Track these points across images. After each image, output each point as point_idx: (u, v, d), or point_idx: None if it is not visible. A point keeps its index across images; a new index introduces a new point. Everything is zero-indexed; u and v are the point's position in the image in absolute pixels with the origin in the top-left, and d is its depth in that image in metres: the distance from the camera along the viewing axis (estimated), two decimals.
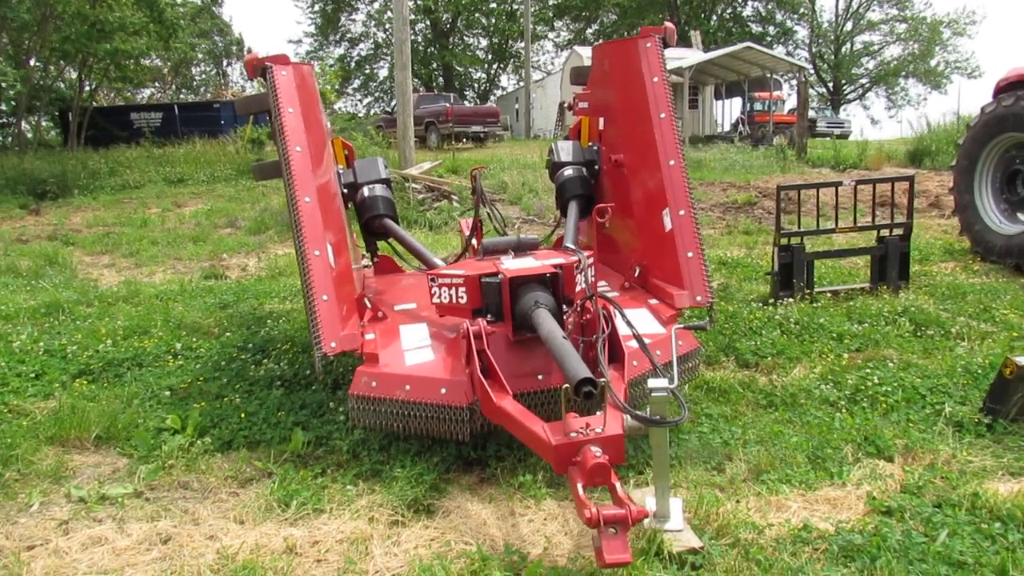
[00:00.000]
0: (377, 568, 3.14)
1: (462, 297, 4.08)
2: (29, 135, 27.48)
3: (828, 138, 33.26)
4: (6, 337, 6.33)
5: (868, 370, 5.02)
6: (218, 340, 6.23)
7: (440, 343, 4.20)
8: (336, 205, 5.00)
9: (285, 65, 4.85)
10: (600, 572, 2.93)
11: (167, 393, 4.99)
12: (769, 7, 51.84)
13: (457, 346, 4.07)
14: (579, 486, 2.84)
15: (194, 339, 6.26)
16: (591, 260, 4.26)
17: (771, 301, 6.64)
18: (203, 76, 54.93)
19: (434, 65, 51.21)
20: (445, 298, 4.18)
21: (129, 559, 3.25)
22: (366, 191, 5.64)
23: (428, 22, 50.68)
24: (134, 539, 3.40)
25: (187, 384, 5.13)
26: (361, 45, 54.07)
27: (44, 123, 31.73)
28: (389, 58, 53.38)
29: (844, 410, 4.54)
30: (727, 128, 35.93)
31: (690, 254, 4.51)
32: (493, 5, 51.66)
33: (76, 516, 3.62)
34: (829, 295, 6.79)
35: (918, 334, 5.85)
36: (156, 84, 40.27)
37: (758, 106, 34.87)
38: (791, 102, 39.05)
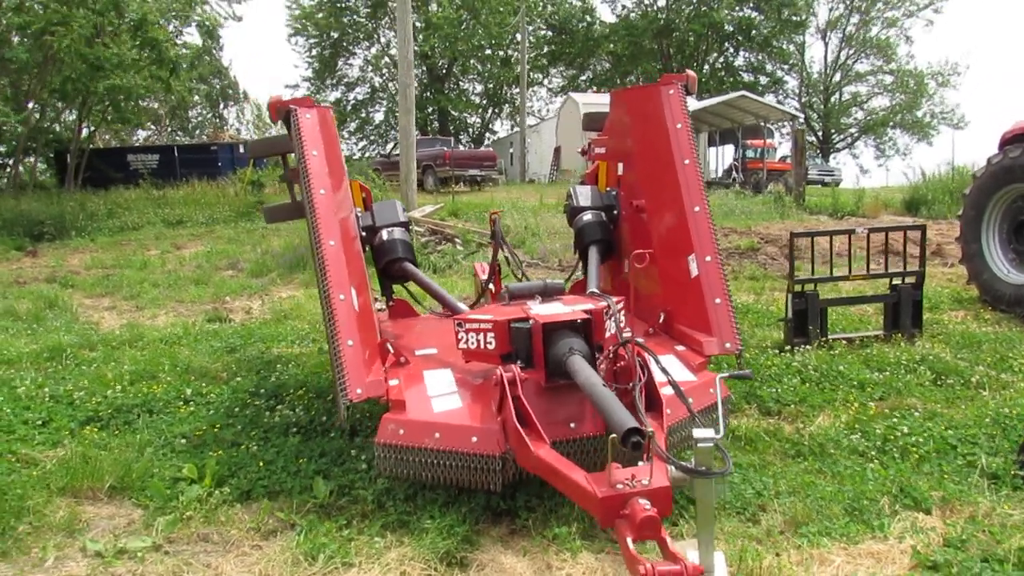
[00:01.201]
0: None
1: (490, 343, 4.00)
2: (25, 177, 27.46)
3: (819, 185, 33.73)
4: (9, 383, 6.18)
5: (895, 420, 4.95)
6: (228, 385, 6.11)
7: (467, 390, 4.11)
8: (356, 248, 4.94)
9: (309, 108, 4.84)
10: None
11: (182, 441, 4.86)
12: (760, 57, 52.84)
13: (485, 393, 3.99)
14: (629, 540, 2.74)
15: (203, 384, 6.13)
16: (620, 306, 4.21)
17: (787, 348, 6.59)
18: (199, 118, 55.29)
19: (429, 109, 51.73)
20: (472, 343, 4.10)
21: None
22: (384, 234, 5.60)
23: (424, 67, 51.39)
24: None
25: (201, 432, 5.00)
26: (358, 89, 54.65)
27: (39, 165, 31.74)
28: (385, 102, 53.92)
29: (876, 461, 4.46)
30: (720, 174, 36.32)
31: (718, 300, 4.47)
32: (488, 52, 52.42)
33: (94, 572, 3.48)
34: (845, 342, 6.75)
35: (938, 383, 5.80)
36: (153, 127, 40.45)
37: (750, 153, 35.31)
38: (782, 150, 39.60)
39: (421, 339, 5.17)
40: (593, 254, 5.52)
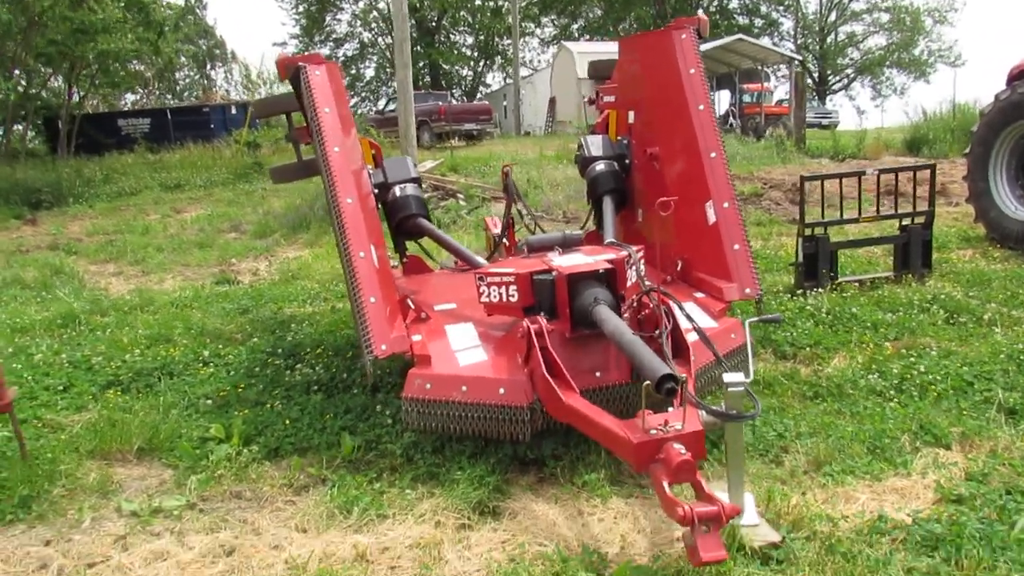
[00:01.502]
0: (454, 572, 3.10)
1: (513, 295, 4.02)
2: (15, 145, 27.11)
3: (816, 128, 33.43)
4: (25, 350, 6.21)
5: (912, 359, 5.00)
6: (245, 346, 6.14)
7: (491, 343, 4.14)
8: (370, 205, 4.92)
9: (319, 65, 4.77)
10: (687, 570, 2.89)
11: (207, 402, 4.90)
12: None
13: (509, 345, 4.02)
14: (665, 484, 2.79)
15: (220, 346, 6.16)
16: (641, 254, 4.21)
17: (798, 292, 6.62)
18: (187, 80, 54.42)
19: (420, 64, 50.90)
20: (494, 297, 4.11)
21: (197, 573, 3.19)
22: (397, 191, 5.56)
23: (414, 21, 50.44)
24: (197, 552, 3.33)
25: (225, 392, 5.04)
26: (347, 45, 53.57)
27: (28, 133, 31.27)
28: (375, 58, 53.09)
29: (894, 400, 4.51)
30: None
31: (737, 246, 4.48)
32: (478, 2, 51.46)
33: (132, 531, 3.54)
34: (856, 285, 6.77)
35: (951, 322, 5.83)
36: (143, 90, 39.84)
37: (747, 98, 34.92)
38: (778, 93, 39.17)
39: (438, 294, 5.18)
40: (608, 204, 5.49)
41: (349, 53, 53.63)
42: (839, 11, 52.95)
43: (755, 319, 3.68)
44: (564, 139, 22.35)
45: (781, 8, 52.63)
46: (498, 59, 56.31)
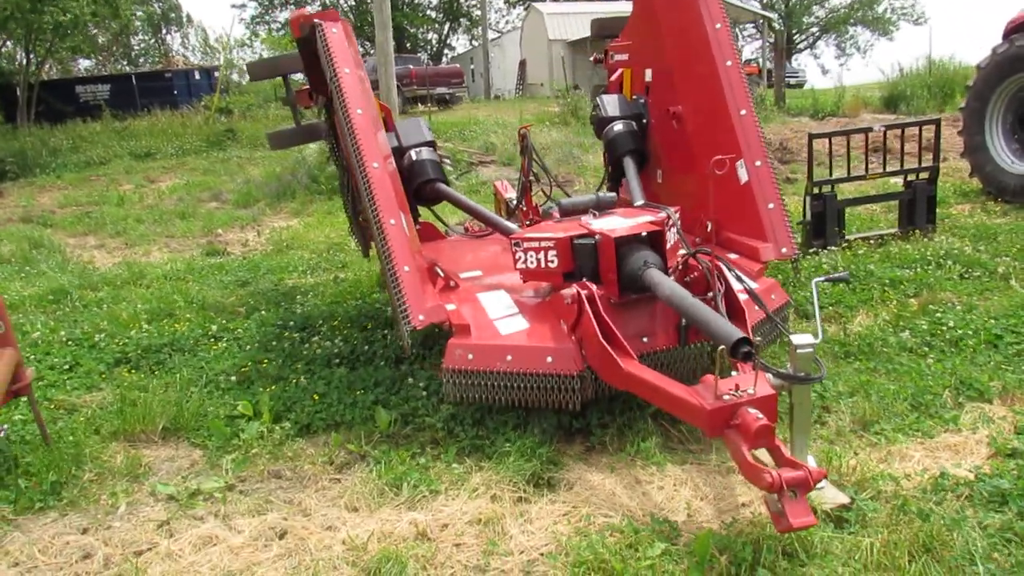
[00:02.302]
0: (521, 548, 3.01)
1: (552, 261, 3.90)
2: None
3: (784, 87, 33.39)
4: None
5: (937, 315, 4.99)
6: (253, 319, 5.95)
7: (528, 310, 4.02)
8: (393, 170, 4.73)
9: (335, 22, 4.54)
10: (764, 535, 2.84)
11: (231, 378, 4.73)
12: None
13: (548, 312, 3.92)
14: (745, 450, 2.72)
15: (226, 320, 5.97)
16: (678, 215, 4.11)
17: (810, 250, 6.59)
18: (142, 45, 52.69)
19: None
20: (532, 263, 3.99)
21: (251, 557, 3.07)
22: (413, 155, 5.35)
23: None
24: (247, 536, 3.21)
25: (246, 368, 4.87)
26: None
27: None
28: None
29: (929, 356, 4.50)
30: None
31: (771, 205, 4.37)
32: None
33: (174, 516, 3.41)
34: (871, 242, 6.76)
35: (966, 276, 5.85)
36: (100, 56, 38.50)
37: None
38: (745, 53, 39.08)
39: (458, 261, 5.04)
40: (629, 165, 5.35)
41: None
42: None
43: (821, 278, 3.61)
44: (540, 102, 22.06)
45: None
46: (463, 21, 55.29)
